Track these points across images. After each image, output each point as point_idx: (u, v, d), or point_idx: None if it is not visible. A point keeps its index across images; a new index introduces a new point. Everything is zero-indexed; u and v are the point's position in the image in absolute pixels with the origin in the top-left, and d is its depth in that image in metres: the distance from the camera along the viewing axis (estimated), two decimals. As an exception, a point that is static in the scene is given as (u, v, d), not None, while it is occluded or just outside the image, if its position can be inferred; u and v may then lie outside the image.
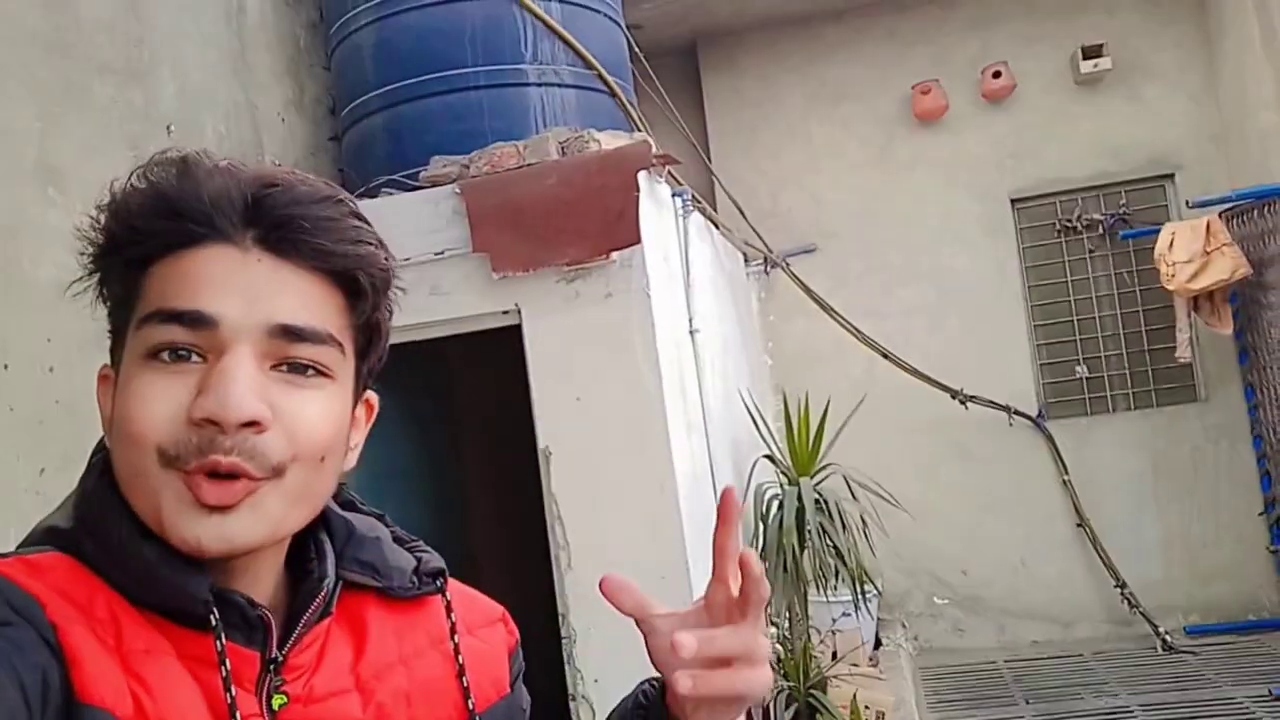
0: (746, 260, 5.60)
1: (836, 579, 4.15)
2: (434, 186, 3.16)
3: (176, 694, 0.68)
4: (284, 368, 0.71)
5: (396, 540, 0.86)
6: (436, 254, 3.11)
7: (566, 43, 3.44)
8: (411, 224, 3.18)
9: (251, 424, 0.67)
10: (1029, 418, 5.70)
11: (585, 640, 3.06)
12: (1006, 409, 5.67)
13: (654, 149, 3.04)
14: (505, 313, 3.13)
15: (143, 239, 0.71)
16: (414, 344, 3.25)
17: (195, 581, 0.69)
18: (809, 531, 4.00)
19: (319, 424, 0.72)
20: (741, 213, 5.34)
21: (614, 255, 2.97)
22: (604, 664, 3.02)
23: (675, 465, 3.03)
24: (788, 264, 5.64)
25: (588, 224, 2.91)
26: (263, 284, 0.70)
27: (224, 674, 0.69)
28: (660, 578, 2.96)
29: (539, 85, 3.44)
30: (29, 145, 2.41)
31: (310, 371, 0.72)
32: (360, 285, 0.75)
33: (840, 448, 4.37)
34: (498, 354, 3.37)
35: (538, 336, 3.11)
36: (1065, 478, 5.67)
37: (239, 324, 0.69)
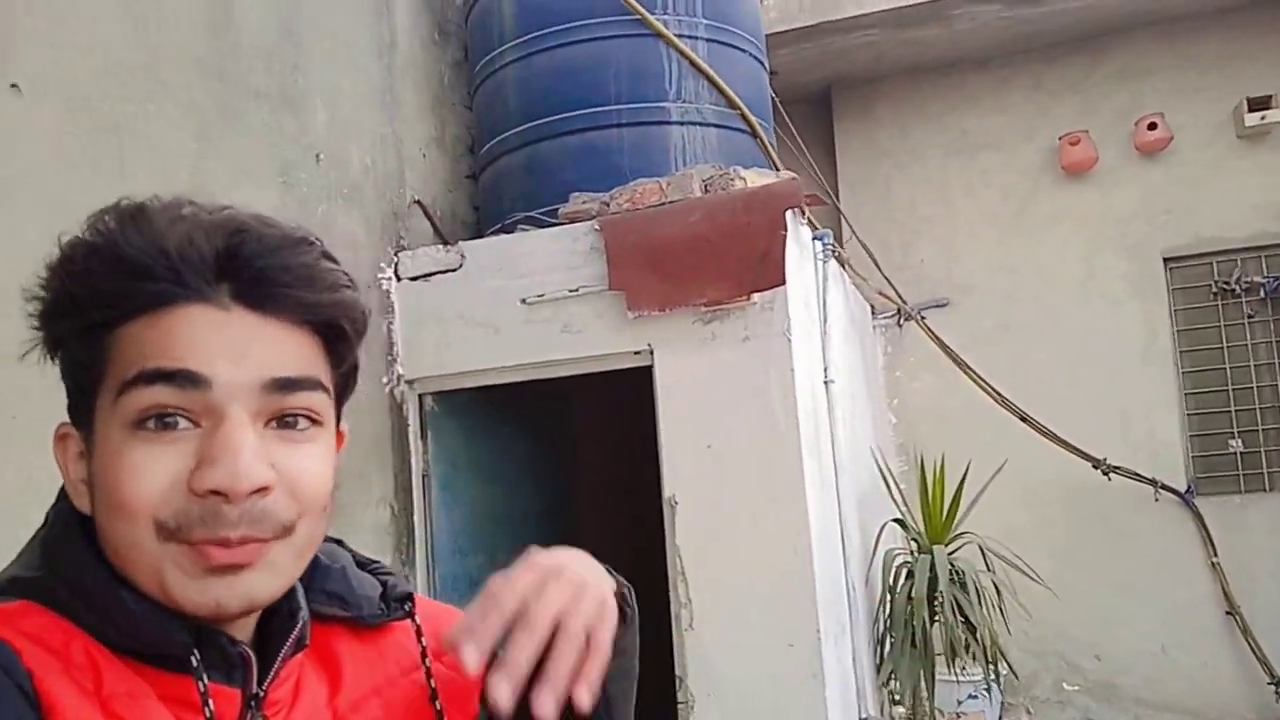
0: (874, 312, 5.40)
1: (967, 655, 3.88)
2: (572, 223, 3.10)
3: None
4: (274, 424, 0.69)
5: (358, 564, 0.85)
6: (571, 290, 3.04)
7: (712, 81, 3.37)
8: (546, 260, 3.12)
9: (259, 490, 0.66)
10: (1176, 493, 5.30)
11: (703, 708, 2.89)
12: (1152, 482, 5.29)
13: (801, 188, 2.92)
14: (637, 353, 3.04)
15: (110, 303, 0.67)
16: (540, 382, 3.18)
17: (175, 623, 0.67)
18: (940, 604, 3.76)
19: (319, 477, 0.71)
20: (875, 262, 5.15)
21: (755, 297, 2.85)
22: (725, 732, 2.84)
23: (810, 523, 2.85)
24: (923, 318, 5.41)
25: (730, 263, 2.80)
26: (247, 341, 0.68)
27: (208, 715, 0.68)
28: (788, 645, 2.77)
29: (681, 124, 3.36)
30: (182, 167, 2.43)
31: (302, 422, 0.70)
32: (343, 331, 0.73)
33: (968, 514, 4.12)
34: (626, 396, 3.26)
35: (669, 378, 3.00)
36: (1214, 560, 5.24)
37: (231, 384, 0.66)
